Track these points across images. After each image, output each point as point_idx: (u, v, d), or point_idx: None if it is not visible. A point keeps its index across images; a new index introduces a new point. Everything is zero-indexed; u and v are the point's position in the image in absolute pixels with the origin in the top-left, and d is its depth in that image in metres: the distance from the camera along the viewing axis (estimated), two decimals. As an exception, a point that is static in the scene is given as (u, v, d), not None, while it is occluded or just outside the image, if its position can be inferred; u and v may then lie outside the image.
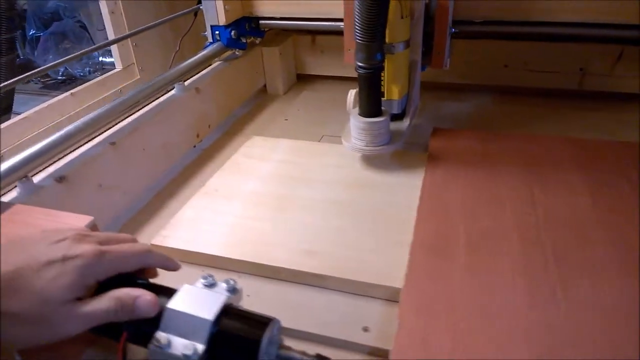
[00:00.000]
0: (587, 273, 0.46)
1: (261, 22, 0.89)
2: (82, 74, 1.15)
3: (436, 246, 0.51)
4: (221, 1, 0.80)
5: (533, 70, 0.91)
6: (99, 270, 0.36)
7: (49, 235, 0.36)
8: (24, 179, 0.49)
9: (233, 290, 0.41)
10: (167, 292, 0.40)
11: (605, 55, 0.86)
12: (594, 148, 0.67)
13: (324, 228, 0.56)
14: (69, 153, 0.56)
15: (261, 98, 1.00)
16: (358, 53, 0.59)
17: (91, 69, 1.15)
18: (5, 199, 0.49)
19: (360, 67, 0.60)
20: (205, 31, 0.86)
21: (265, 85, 1.02)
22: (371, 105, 0.62)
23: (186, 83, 0.76)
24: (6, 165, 0.48)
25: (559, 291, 0.44)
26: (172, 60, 0.85)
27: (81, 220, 0.44)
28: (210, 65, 0.83)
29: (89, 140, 0.59)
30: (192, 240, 0.55)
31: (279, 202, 0.61)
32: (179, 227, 0.57)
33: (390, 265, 0.50)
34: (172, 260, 0.42)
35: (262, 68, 0.99)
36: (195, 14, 0.86)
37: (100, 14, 1.15)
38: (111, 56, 1.10)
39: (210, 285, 0.42)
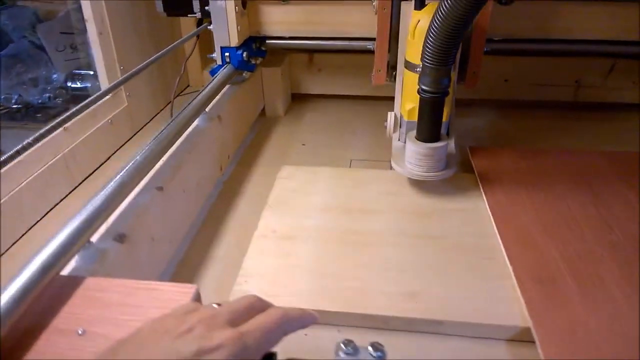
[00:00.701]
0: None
1: (268, 42, 0.83)
2: (40, 101, 1.00)
3: (540, 276, 0.49)
4: (235, 21, 0.74)
5: (532, 84, 0.94)
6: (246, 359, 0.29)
7: (168, 326, 0.29)
8: (86, 244, 0.40)
9: (383, 356, 0.37)
10: None
11: (598, 68, 0.91)
12: (625, 160, 0.70)
13: (414, 265, 0.52)
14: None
15: (262, 122, 0.93)
16: (425, 77, 0.56)
17: (51, 95, 1.00)
18: (63, 270, 0.39)
19: (425, 91, 0.57)
20: (211, 52, 0.78)
21: (263, 108, 0.96)
22: (433, 130, 0.60)
23: (207, 110, 0.68)
24: (69, 230, 0.38)
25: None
26: (176, 84, 0.77)
27: (186, 292, 0.36)
28: (222, 90, 0.76)
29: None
30: (275, 293, 0.48)
31: (349, 238, 0.56)
32: (252, 279, 0.50)
33: (501, 301, 0.47)
34: (309, 313, 0.34)
35: (261, 90, 0.93)
36: (198, 37, 0.78)
37: (59, 32, 1.03)
38: (81, 81, 0.98)
39: (355, 353, 0.36)
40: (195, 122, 0.65)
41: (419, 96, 0.60)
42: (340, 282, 0.50)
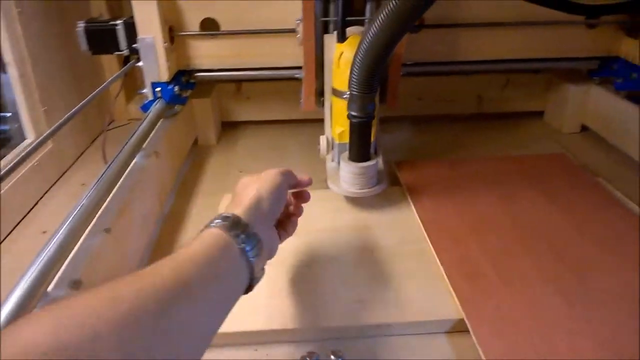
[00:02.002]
0: (591, 270, 0.56)
1: (197, 74, 0.86)
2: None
3: (467, 271, 0.56)
4: (164, 56, 0.75)
5: (441, 100, 1.04)
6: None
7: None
8: (44, 295, 0.40)
9: (344, 361, 0.41)
10: None
11: (495, 83, 1.03)
12: (528, 162, 0.81)
13: (360, 276, 0.57)
14: (66, 250, 0.47)
15: (195, 152, 0.95)
16: (353, 103, 0.62)
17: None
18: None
19: (354, 116, 0.63)
20: (142, 88, 0.79)
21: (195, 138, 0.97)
22: (364, 150, 0.66)
23: (144, 147, 0.69)
24: (26, 282, 0.38)
25: (580, 289, 0.53)
26: (107, 124, 0.76)
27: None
28: (156, 125, 0.77)
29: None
30: (234, 318, 0.51)
31: (299, 257, 0.60)
32: (209, 308, 0.52)
33: (437, 299, 0.53)
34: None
35: (192, 121, 0.94)
36: (126, 74, 0.78)
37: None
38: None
39: (319, 362, 0.40)
40: (135, 160, 0.65)
41: (348, 120, 0.66)
42: (296, 301, 0.53)
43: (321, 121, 0.79)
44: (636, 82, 0.83)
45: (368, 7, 0.74)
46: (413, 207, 0.69)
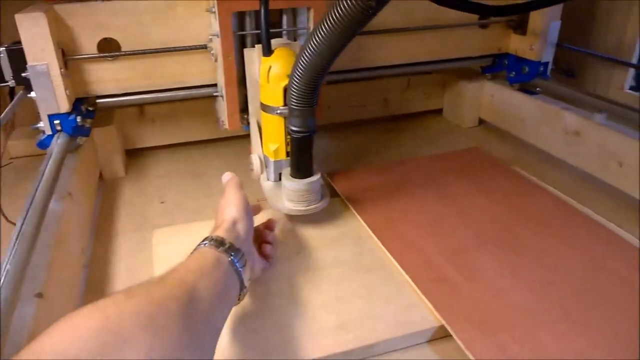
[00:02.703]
0: (538, 254, 0.60)
1: (100, 101, 0.76)
2: None
3: (432, 275, 0.57)
4: (61, 84, 0.66)
5: (350, 106, 1.06)
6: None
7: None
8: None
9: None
10: None
11: (398, 85, 1.08)
12: (449, 159, 0.85)
13: (328, 299, 0.54)
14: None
15: (103, 187, 0.84)
16: (293, 118, 0.60)
17: None
18: None
19: (295, 131, 0.60)
20: (37, 123, 0.68)
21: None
22: (307, 166, 0.64)
23: (56, 190, 0.59)
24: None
25: (536, 275, 0.57)
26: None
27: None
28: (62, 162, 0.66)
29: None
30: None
31: (255, 290, 0.55)
32: None
33: (412, 308, 0.53)
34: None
35: (95, 153, 0.84)
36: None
37: None
38: None
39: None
40: (50, 207, 0.56)
41: (282, 136, 0.64)
42: (263, 334, 0.50)
43: (240, 138, 0.76)
44: (528, 75, 0.93)
45: (285, 19, 0.73)
46: (359, 217, 0.69)
